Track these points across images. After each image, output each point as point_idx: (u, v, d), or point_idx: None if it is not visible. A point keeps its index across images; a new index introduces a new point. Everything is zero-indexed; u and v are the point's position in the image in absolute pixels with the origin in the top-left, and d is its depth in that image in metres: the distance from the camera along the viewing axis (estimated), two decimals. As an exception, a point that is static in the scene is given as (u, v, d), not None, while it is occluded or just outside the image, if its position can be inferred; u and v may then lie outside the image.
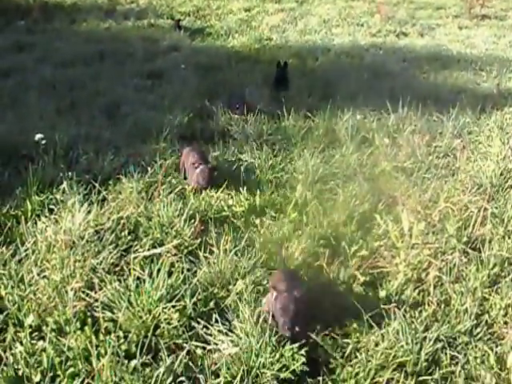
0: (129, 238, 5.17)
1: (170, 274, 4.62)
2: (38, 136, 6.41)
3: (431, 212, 5.67)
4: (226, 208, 5.88)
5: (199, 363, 3.96)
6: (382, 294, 4.69)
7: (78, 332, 4.11)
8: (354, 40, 14.14)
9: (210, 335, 4.15)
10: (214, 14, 16.38)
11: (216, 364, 3.94)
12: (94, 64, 10.67)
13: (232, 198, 6.07)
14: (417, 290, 4.78)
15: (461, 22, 17.16)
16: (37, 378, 3.69)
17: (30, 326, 4.16)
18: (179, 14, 15.98)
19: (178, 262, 4.89)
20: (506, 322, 4.55)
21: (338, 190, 6.23)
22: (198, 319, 4.29)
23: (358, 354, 4.09)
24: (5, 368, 3.75)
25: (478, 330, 4.41)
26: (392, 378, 3.90)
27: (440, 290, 4.81)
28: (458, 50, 13.51)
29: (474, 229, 5.49)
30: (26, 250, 4.85)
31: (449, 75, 11.44)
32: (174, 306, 4.30)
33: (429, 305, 4.62)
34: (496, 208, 5.96)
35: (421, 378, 3.96)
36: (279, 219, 5.70)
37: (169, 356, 3.93)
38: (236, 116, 8.07)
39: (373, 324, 4.33)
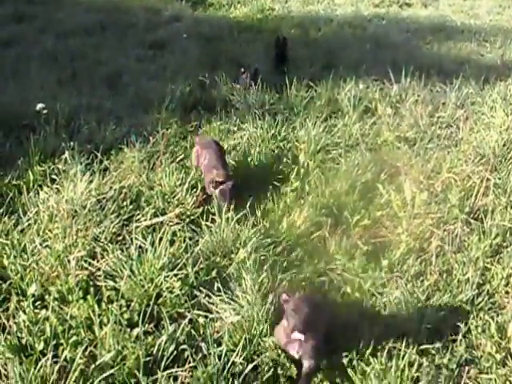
0: (131, 207, 5.17)
1: (172, 242, 4.64)
2: (40, 105, 6.36)
3: (434, 182, 5.68)
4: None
5: (201, 332, 3.98)
6: (384, 263, 4.68)
7: (81, 301, 4.14)
8: (356, 10, 14.00)
9: (212, 304, 4.17)
10: (216, -16, 16.15)
11: (218, 332, 3.97)
12: (96, 34, 10.57)
13: (234, 167, 6.06)
14: (419, 260, 4.79)
15: (466, -7, 16.98)
16: (40, 347, 3.70)
17: (33, 295, 4.18)
18: (181, -17, 15.72)
19: (179, 231, 4.90)
20: (507, 292, 4.58)
21: (340, 159, 6.23)
22: (201, 288, 4.30)
23: (360, 323, 4.10)
24: (8, 336, 3.77)
25: (480, 299, 4.45)
26: (394, 347, 3.92)
27: (442, 260, 4.83)
28: (461, 21, 13.40)
29: (476, 199, 5.50)
30: (28, 220, 4.86)
31: (452, 46, 11.35)
32: (175, 275, 4.31)
33: (431, 274, 4.65)
34: (499, 179, 5.95)
35: (422, 347, 3.99)
36: (281, 188, 5.70)
37: (171, 324, 3.96)
38: (239, 86, 8.01)
39: (375, 293, 4.36)
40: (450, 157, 6.30)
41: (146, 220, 4.97)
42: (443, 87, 8.40)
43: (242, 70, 8.14)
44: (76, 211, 4.90)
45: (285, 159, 6.27)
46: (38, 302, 4.16)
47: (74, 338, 3.80)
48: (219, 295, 4.21)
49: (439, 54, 10.86)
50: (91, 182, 5.27)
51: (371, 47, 10.65)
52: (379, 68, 8.83)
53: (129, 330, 3.86)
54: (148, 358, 3.68)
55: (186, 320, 4.02)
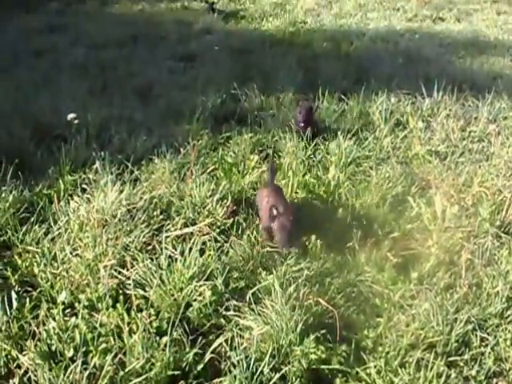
0: (161, 217, 5.18)
1: (201, 252, 4.64)
2: (71, 116, 6.40)
3: (464, 196, 5.64)
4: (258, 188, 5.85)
5: (230, 341, 3.96)
6: (414, 275, 4.65)
7: (110, 309, 4.15)
8: (389, 25, 14.01)
9: (241, 314, 4.15)
10: (248, -3, 16.26)
11: (246, 342, 3.95)
12: (127, 46, 10.69)
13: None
14: (449, 273, 4.73)
15: (499, 7, 16.92)
16: (69, 353, 3.71)
17: (63, 303, 4.20)
18: (213, -4, 15.84)
19: (209, 241, 4.89)
20: (537, 305, 4.51)
21: (371, 172, 6.17)
22: (229, 298, 4.30)
23: (388, 334, 4.07)
24: (38, 343, 3.77)
25: (509, 312, 4.37)
26: (422, 358, 3.87)
27: (472, 273, 4.75)
28: (495, 36, 13.35)
29: (507, 213, 5.43)
30: (58, 229, 4.89)
31: (485, 61, 11.28)
32: (205, 285, 4.30)
33: (460, 287, 4.57)
34: (530, 193, 5.87)
35: (451, 359, 3.93)
36: (312, 200, 5.68)
37: (200, 334, 3.96)
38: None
39: (404, 305, 4.32)
40: (481, 171, 6.22)
41: (176, 230, 4.97)
42: (475, 102, 8.33)
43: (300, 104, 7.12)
44: (106, 220, 4.92)
45: (315, 171, 6.26)
46: (68, 310, 4.17)
47: (104, 345, 3.79)
48: (248, 305, 4.18)
49: (472, 68, 10.80)
50: (122, 191, 5.29)
51: (403, 61, 10.62)
52: (411, 82, 8.80)
53: (158, 338, 3.84)
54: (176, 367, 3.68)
55: (215, 329, 4.02)
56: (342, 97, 8.15)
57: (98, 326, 3.93)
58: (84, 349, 3.73)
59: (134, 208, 5.16)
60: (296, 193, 5.82)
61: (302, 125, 6.80)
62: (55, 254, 4.59)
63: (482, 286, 4.64)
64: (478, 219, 5.31)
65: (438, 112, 7.83)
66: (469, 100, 8.39)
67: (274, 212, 4.62)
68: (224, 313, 4.19)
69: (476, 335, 4.15)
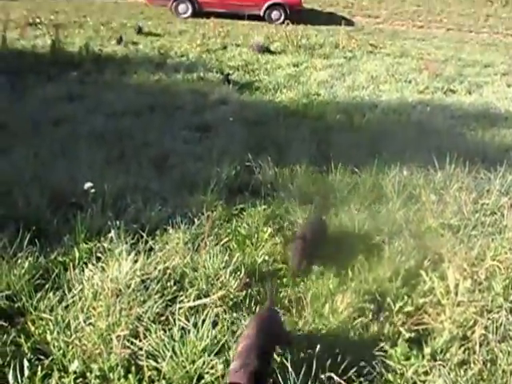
0: (174, 288, 5.21)
1: (214, 324, 4.66)
2: (88, 185, 6.49)
3: (477, 270, 5.59)
4: (271, 262, 5.97)
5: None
6: (427, 350, 4.62)
7: (122, 379, 4.17)
8: (401, 96, 14.15)
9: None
10: (262, 69, 16.53)
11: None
12: (144, 115, 10.85)
13: (280, 253, 6.14)
14: (462, 348, 4.70)
15: (509, 80, 17.11)
16: (81, 425, 3.72)
17: (75, 372, 4.21)
18: (228, 68, 16.15)
19: (222, 313, 4.92)
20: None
21: (383, 245, 6.21)
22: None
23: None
24: (49, 413, 3.79)
25: (525, 389, 4.34)
26: None
27: (486, 349, 4.74)
28: (505, 108, 13.46)
29: (521, 288, 5.41)
30: (72, 297, 4.92)
31: (496, 133, 11.35)
32: (217, 357, 4.31)
33: (474, 363, 4.55)
34: (544, 268, 5.86)
35: None
36: (325, 273, 5.71)
37: (211, 408, 3.95)
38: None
39: (417, 381, 4.30)
40: (495, 244, 6.23)
41: (189, 301, 5.00)
42: (487, 174, 8.37)
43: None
44: (120, 290, 4.94)
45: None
46: (80, 379, 4.18)
47: (115, 416, 3.80)
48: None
49: (483, 140, 10.86)
50: (136, 261, 5.33)
51: (415, 133, 10.68)
52: (423, 154, 8.84)
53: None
54: None
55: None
56: (355, 169, 8.20)
57: (109, 397, 3.94)
58: (96, 420, 3.75)
59: (147, 278, 5.20)
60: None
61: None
62: (69, 321, 4.60)
63: (496, 362, 4.61)
64: (492, 294, 5.30)
65: (451, 185, 7.83)
66: (481, 172, 8.42)
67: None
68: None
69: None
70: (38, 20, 20.48)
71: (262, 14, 26.14)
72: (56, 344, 4.44)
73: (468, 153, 8.92)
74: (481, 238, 6.45)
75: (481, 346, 4.74)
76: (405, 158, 8.64)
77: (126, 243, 5.65)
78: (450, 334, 4.82)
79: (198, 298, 5.08)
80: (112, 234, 5.74)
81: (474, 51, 23.45)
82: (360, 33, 25.03)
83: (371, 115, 12.07)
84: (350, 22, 27.14)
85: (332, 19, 27.63)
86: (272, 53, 18.88)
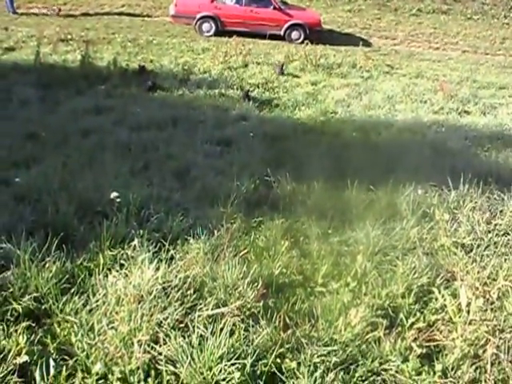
0: (194, 296, 5.34)
1: (231, 333, 4.79)
2: (114, 194, 6.70)
3: (490, 289, 5.66)
4: (287, 274, 6.08)
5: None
6: (439, 367, 4.72)
7: (142, 383, 4.32)
8: (416, 116, 14.27)
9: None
10: (281, 87, 16.75)
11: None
12: (167, 129, 11.07)
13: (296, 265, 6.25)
14: (473, 367, 4.78)
15: (524, 102, 17.17)
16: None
17: (97, 374, 4.38)
18: (249, 85, 16.37)
19: (239, 322, 5.06)
20: None
21: (397, 262, 6.30)
22: (258, 380, 4.46)
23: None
24: (72, 413, 3.94)
25: (536, 411, 4.40)
26: None
27: (497, 368, 4.82)
28: (520, 129, 13.55)
29: (534, 308, 5.48)
30: (96, 301, 5.10)
31: (510, 154, 11.46)
32: (234, 365, 4.44)
33: (486, 382, 4.64)
34: (557, 286, 5.93)
35: None
36: (339, 288, 5.80)
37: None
38: None
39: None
40: (507, 264, 6.34)
41: (208, 310, 5.13)
42: (501, 195, 8.45)
43: None
44: (142, 296, 5.09)
45: (343, 259, 6.39)
46: (102, 381, 4.36)
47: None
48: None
49: (497, 161, 10.97)
50: (158, 269, 5.47)
51: (430, 153, 10.79)
52: (437, 174, 8.96)
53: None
54: None
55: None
56: (371, 187, 8.33)
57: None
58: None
59: (168, 286, 5.34)
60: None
61: None
62: (92, 325, 4.78)
63: (508, 382, 4.71)
64: (504, 313, 5.39)
65: (464, 204, 7.94)
66: (494, 193, 8.50)
67: None
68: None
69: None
70: (69, 36, 20.83)
71: (282, 33, 26.25)
72: (80, 346, 4.61)
73: (482, 173, 9.02)
74: (493, 258, 6.53)
75: (492, 365, 4.81)
76: (419, 177, 8.75)
77: (149, 251, 5.80)
78: (461, 351, 4.89)
79: (217, 306, 5.20)
80: (135, 242, 5.89)
81: (490, 73, 23.52)
82: (377, 53, 25.10)
83: (387, 134, 12.24)
84: (367, 43, 27.14)
85: (350, 40, 27.70)
86: (291, 74, 19.00)
